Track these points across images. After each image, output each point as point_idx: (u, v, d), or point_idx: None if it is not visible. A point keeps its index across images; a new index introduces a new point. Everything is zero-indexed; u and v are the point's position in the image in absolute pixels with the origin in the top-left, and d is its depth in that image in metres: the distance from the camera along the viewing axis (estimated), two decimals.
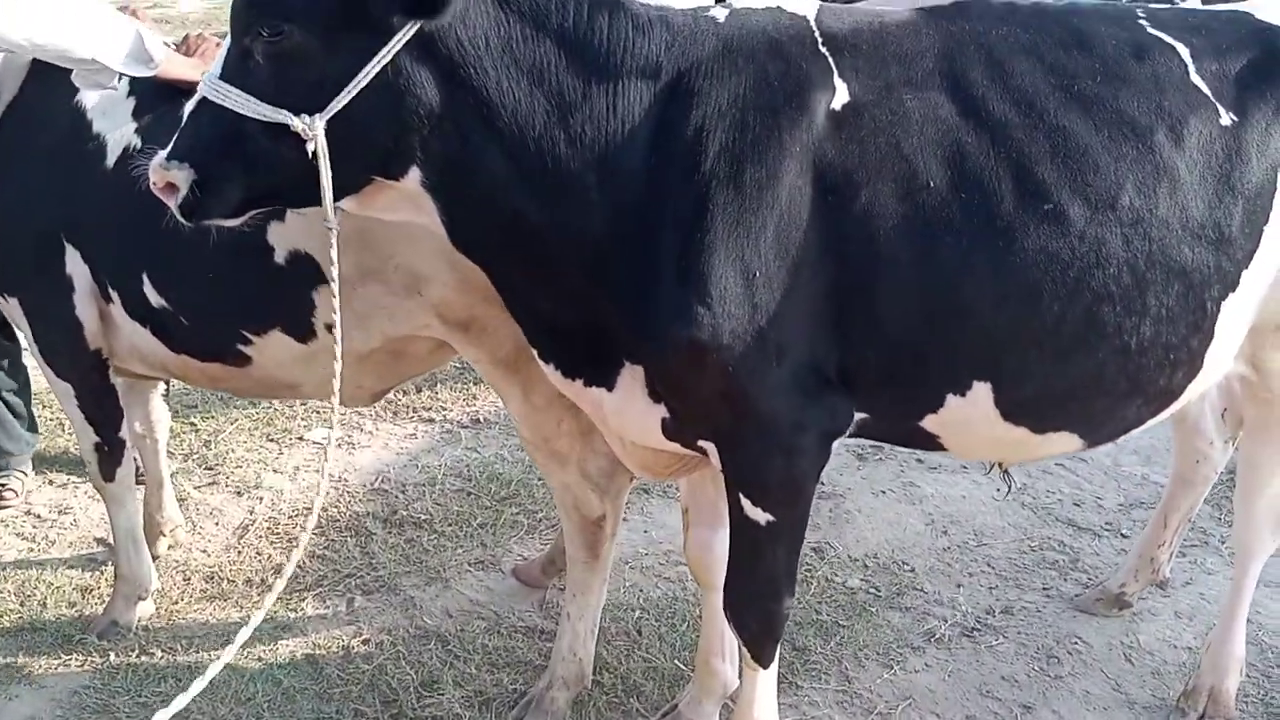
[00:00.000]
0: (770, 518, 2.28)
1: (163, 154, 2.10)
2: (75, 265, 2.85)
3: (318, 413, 4.78)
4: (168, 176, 2.08)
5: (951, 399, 2.21)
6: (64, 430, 4.62)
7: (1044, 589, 3.50)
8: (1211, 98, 2.16)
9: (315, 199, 2.06)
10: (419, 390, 4.88)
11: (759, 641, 2.46)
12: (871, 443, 4.22)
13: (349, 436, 4.57)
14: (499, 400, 4.83)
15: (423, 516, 3.93)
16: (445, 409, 4.80)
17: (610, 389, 2.31)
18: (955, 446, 2.38)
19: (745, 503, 2.29)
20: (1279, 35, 2.25)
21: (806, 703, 3.01)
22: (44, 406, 4.54)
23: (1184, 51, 2.19)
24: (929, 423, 2.28)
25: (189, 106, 2.12)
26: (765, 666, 2.51)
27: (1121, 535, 3.80)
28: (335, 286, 2.20)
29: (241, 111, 2.01)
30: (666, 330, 2.08)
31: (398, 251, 2.58)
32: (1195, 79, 2.17)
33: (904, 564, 3.63)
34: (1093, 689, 3.07)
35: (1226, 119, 2.15)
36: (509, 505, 3.99)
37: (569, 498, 2.84)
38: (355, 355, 2.80)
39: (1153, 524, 3.34)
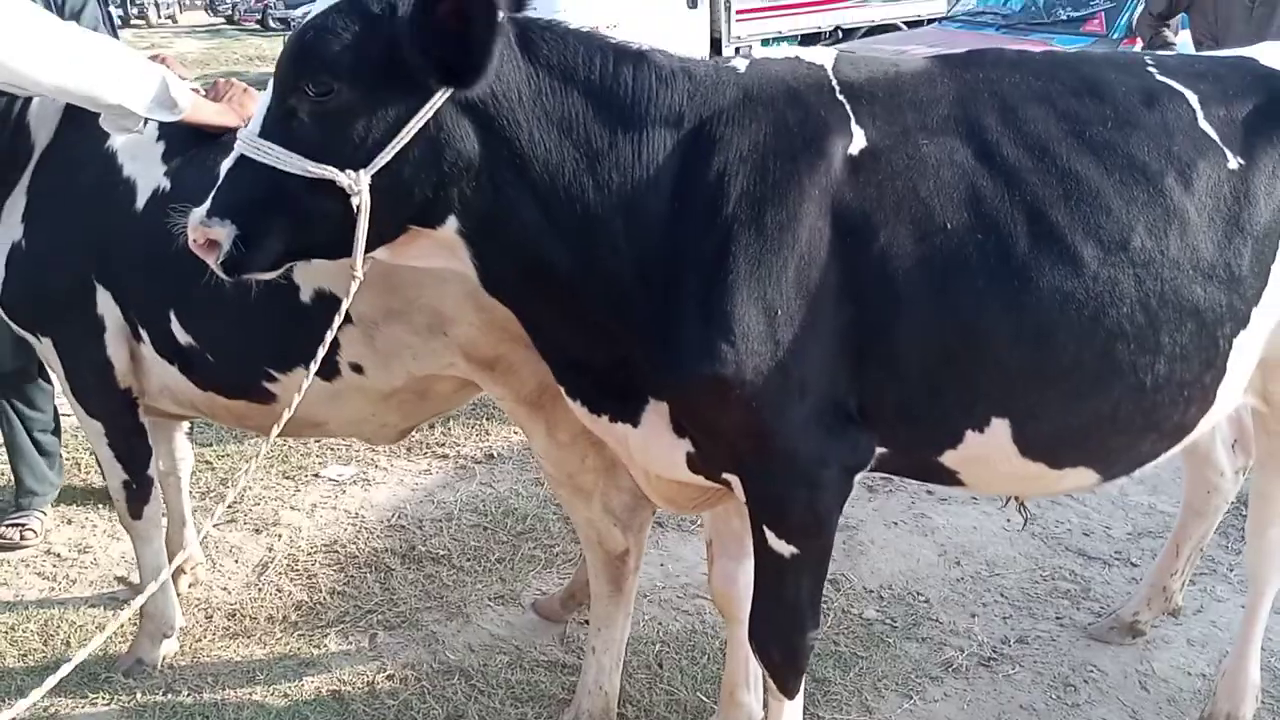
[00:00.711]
0: (794, 550, 2.31)
1: (201, 211, 2.11)
2: (106, 305, 2.91)
3: (332, 450, 4.84)
4: (209, 233, 2.09)
5: (970, 435, 2.25)
6: (79, 469, 4.68)
7: (1057, 618, 3.54)
8: (1219, 142, 2.21)
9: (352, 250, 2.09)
10: (432, 427, 4.93)
11: (784, 672, 2.49)
12: (882, 475, 4.26)
13: (364, 474, 4.63)
14: (512, 436, 4.91)
15: (441, 552, 3.97)
16: (459, 445, 4.85)
17: (635, 424, 2.36)
18: (974, 481, 2.42)
19: (769, 535, 2.32)
20: None
21: None
22: (61, 446, 4.58)
23: (1192, 97, 2.25)
24: (948, 458, 2.31)
25: (226, 163, 2.14)
26: (791, 697, 2.54)
27: (1131, 564, 3.84)
28: (329, 334, 2.24)
29: (285, 169, 2.03)
30: (693, 367, 2.12)
31: (423, 293, 2.64)
32: (1203, 124, 2.22)
33: (918, 595, 3.67)
34: (1110, 717, 3.10)
35: (1234, 163, 2.21)
36: (526, 540, 4.03)
37: (593, 533, 2.89)
38: (379, 393, 2.86)
39: (1165, 553, 3.39)
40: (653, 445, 2.38)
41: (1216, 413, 2.38)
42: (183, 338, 2.84)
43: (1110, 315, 2.14)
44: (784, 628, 2.43)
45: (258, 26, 29.52)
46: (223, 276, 2.14)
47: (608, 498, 2.86)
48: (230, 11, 33.10)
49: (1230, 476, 3.19)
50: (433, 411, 3.07)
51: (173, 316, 2.83)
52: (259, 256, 2.11)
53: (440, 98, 2.00)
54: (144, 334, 2.91)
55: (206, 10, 36.64)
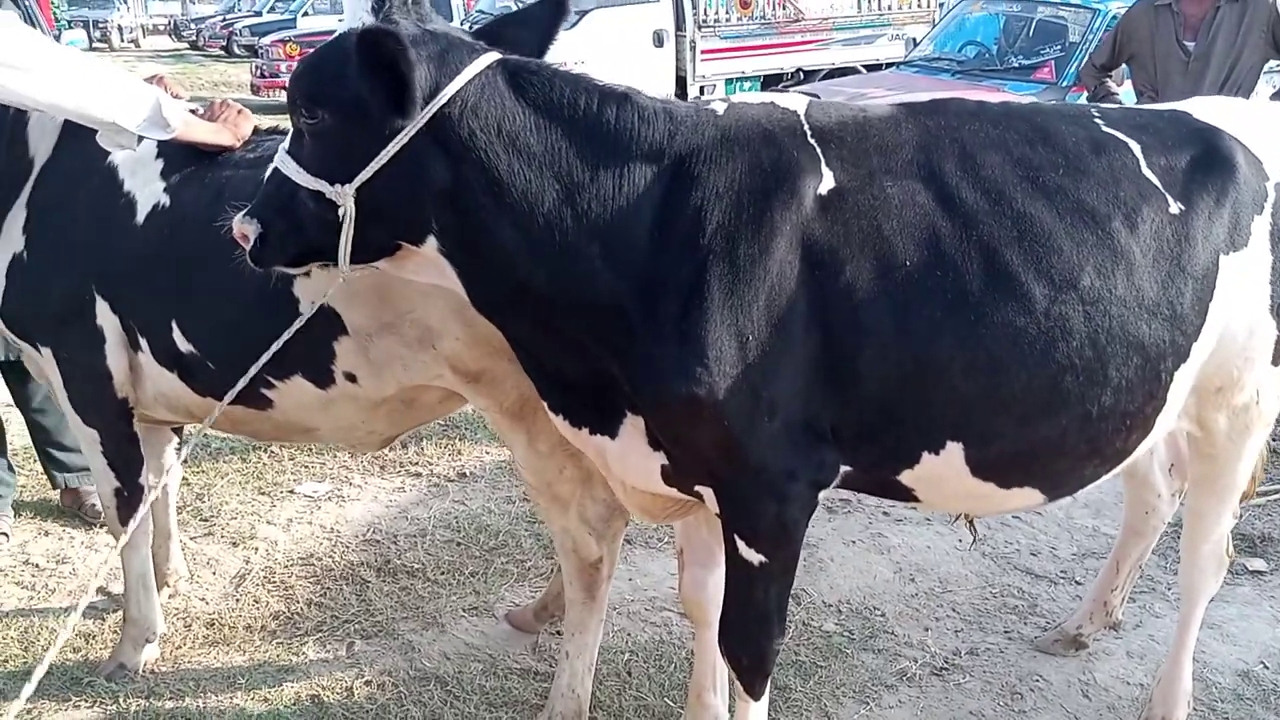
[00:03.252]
0: (763, 558, 2.46)
1: (245, 211, 2.44)
2: (106, 316, 3.02)
3: (306, 467, 4.93)
4: (243, 228, 2.40)
5: (926, 456, 2.40)
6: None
7: (1006, 632, 3.72)
8: (1161, 189, 2.40)
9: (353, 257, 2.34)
10: (405, 446, 5.04)
11: (751, 675, 2.63)
12: (841, 496, 4.45)
13: (339, 490, 4.73)
14: (484, 455, 5.04)
15: (415, 565, 4.08)
16: (431, 464, 4.97)
17: (613, 437, 2.51)
18: (928, 499, 2.57)
19: (740, 544, 2.46)
20: (1216, 133, 2.52)
21: None
22: (34, 460, 4.64)
23: (1135, 147, 2.44)
24: (905, 477, 2.46)
25: (268, 172, 2.43)
26: (756, 699, 2.68)
27: (1075, 582, 4.04)
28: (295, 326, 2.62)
29: (294, 179, 2.31)
30: (669, 386, 2.26)
31: (413, 307, 2.78)
32: (1146, 172, 2.41)
33: (875, 609, 3.84)
34: None
35: (1175, 208, 2.39)
36: (498, 555, 4.16)
37: (568, 541, 3.03)
38: (370, 401, 2.99)
39: (1106, 570, 3.59)
40: (630, 458, 2.52)
41: (1154, 437, 2.56)
42: (184, 345, 2.95)
43: (1060, 349, 2.30)
44: (753, 632, 2.57)
45: (222, 52, 29.42)
46: (252, 265, 2.43)
47: (583, 507, 3.00)
48: (195, 37, 32.98)
49: (1167, 498, 3.40)
50: (418, 420, 3.19)
51: (174, 325, 2.95)
52: (274, 253, 2.41)
53: (412, 128, 2.18)
54: (143, 343, 3.02)
55: (171, 35, 36.50)
